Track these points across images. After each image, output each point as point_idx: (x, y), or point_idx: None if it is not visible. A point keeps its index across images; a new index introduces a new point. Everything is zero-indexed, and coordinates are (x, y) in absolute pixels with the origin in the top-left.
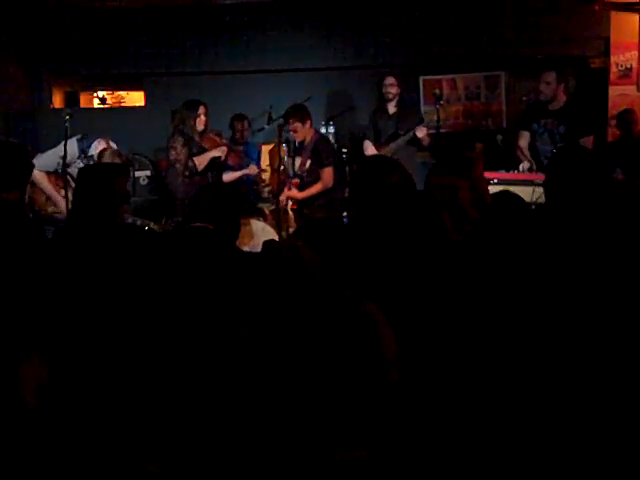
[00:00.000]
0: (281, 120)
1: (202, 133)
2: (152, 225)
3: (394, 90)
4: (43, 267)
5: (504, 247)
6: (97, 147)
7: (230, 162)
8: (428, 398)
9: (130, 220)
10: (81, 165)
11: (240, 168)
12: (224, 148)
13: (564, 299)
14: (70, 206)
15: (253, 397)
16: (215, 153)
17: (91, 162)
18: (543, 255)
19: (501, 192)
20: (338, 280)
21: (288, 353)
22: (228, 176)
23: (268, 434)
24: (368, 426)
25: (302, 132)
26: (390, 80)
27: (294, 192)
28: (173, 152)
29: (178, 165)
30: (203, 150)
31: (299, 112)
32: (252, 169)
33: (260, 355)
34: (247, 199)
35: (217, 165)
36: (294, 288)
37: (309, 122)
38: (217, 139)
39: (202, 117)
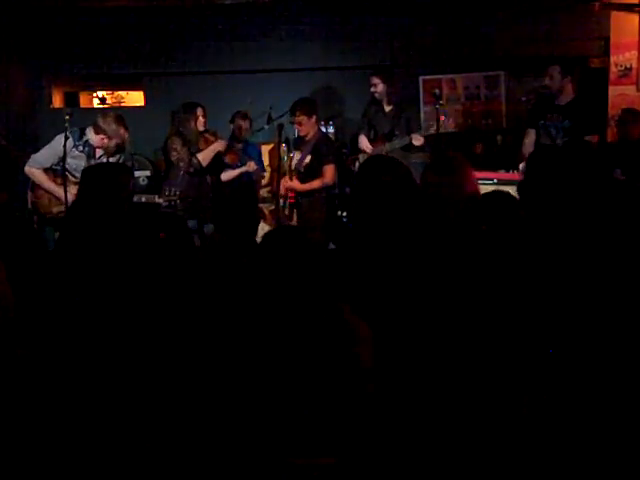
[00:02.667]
0: (281, 120)
1: (200, 134)
2: (157, 199)
3: (379, 89)
4: (43, 267)
5: (492, 246)
6: (91, 130)
7: (228, 161)
8: (407, 406)
9: (135, 198)
10: (77, 153)
11: (238, 166)
12: (224, 142)
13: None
14: (70, 200)
15: (232, 399)
16: (217, 147)
17: (87, 149)
18: (528, 253)
19: (492, 192)
20: (324, 289)
21: (272, 356)
22: (226, 174)
23: (244, 437)
24: (339, 433)
25: (307, 126)
26: (374, 80)
27: (295, 183)
28: (174, 153)
29: (182, 164)
30: (199, 151)
31: (307, 105)
32: (251, 166)
33: (242, 358)
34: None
35: (216, 164)
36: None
37: (315, 117)
38: (212, 139)
39: (201, 119)
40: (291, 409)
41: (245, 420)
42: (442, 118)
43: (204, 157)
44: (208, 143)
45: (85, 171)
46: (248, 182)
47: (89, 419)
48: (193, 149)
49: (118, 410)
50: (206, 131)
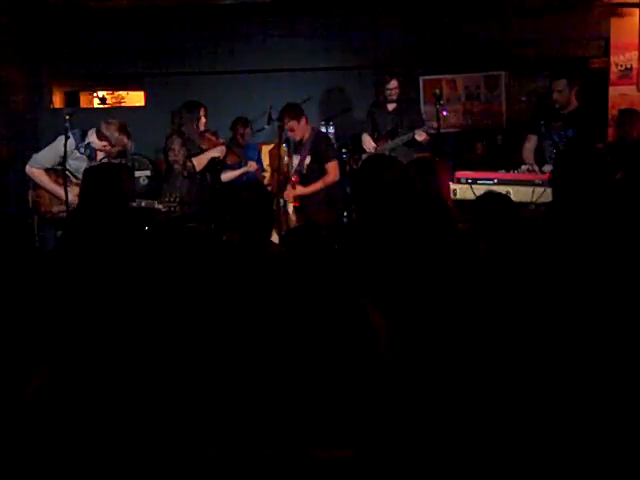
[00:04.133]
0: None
1: (201, 134)
2: (156, 205)
3: (398, 92)
4: (35, 265)
5: (496, 246)
6: (93, 133)
7: (229, 161)
8: (420, 397)
9: (134, 204)
10: (78, 155)
11: (239, 167)
12: (223, 148)
13: (564, 296)
14: (71, 199)
15: (248, 391)
16: (214, 153)
17: (88, 151)
18: (542, 254)
19: (487, 192)
20: (333, 279)
21: (283, 349)
22: (227, 175)
23: (260, 430)
24: (356, 425)
25: (299, 130)
26: (393, 84)
27: (299, 189)
28: (171, 153)
29: (176, 166)
30: (201, 150)
31: (292, 111)
32: (251, 166)
33: (256, 350)
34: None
35: (216, 164)
36: (288, 287)
37: (304, 119)
38: (214, 138)
39: (202, 119)
40: (311, 401)
41: (264, 412)
42: (444, 113)
43: (199, 162)
44: (210, 143)
45: (87, 171)
46: (260, 181)
47: (89, 416)
48: (193, 149)
49: (127, 406)
50: (206, 131)
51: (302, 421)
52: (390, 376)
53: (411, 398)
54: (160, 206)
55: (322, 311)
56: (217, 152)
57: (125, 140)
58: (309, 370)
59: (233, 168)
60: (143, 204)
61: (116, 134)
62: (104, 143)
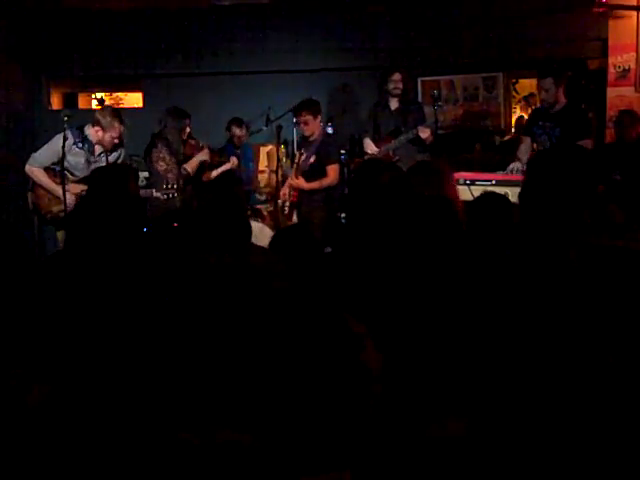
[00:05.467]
0: (279, 121)
1: (184, 141)
2: (155, 193)
3: (401, 86)
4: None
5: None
6: (89, 127)
7: (209, 160)
8: (414, 414)
9: None
10: (76, 150)
11: (219, 165)
12: (207, 151)
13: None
14: (69, 198)
15: (236, 414)
16: (202, 157)
17: (86, 145)
18: (520, 260)
19: (486, 193)
20: (322, 295)
21: (271, 367)
22: (208, 174)
23: (250, 454)
24: (352, 444)
25: (312, 126)
26: (397, 76)
27: (301, 181)
28: (162, 163)
29: (170, 175)
30: (184, 158)
31: (312, 106)
32: (233, 162)
33: (243, 367)
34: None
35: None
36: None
37: (319, 117)
38: (193, 143)
39: (187, 129)
40: (298, 424)
41: (251, 437)
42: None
43: (192, 167)
44: (192, 149)
45: (93, 173)
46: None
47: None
48: (180, 156)
49: (118, 413)
50: (189, 137)
51: (293, 445)
52: (383, 385)
53: (407, 406)
54: (159, 194)
55: (306, 326)
56: (205, 156)
57: (116, 124)
58: (295, 389)
59: (212, 167)
60: (141, 193)
61: (108, 118)
62: (97, 128)
